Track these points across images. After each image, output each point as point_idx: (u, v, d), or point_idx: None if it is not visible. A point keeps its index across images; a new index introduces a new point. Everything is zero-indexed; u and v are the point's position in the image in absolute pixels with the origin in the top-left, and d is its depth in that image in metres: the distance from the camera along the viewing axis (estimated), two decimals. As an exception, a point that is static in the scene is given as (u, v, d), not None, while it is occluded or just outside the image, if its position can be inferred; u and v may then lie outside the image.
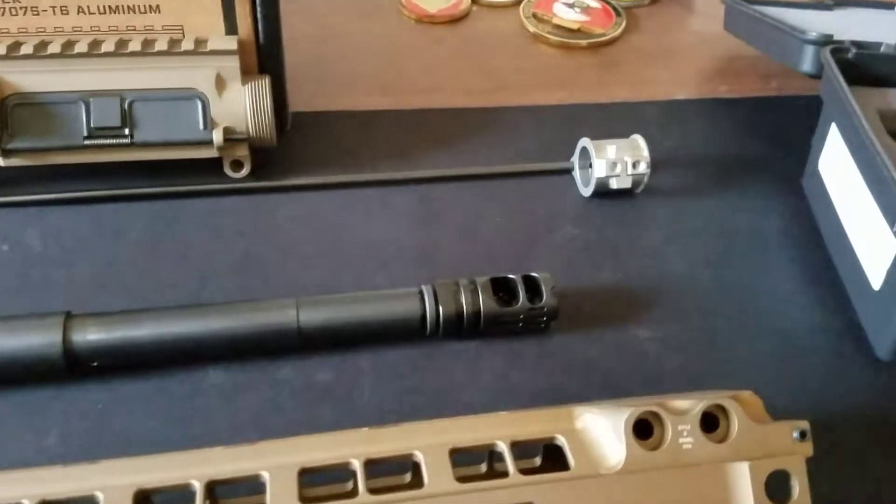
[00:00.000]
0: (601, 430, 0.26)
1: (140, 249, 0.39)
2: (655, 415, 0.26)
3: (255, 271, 0.39)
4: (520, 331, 0.36)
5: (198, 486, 0.24)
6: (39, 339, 0.31)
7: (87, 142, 0.38)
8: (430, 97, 0.51)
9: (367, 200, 0.43)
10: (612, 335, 0.37)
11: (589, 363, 0.36)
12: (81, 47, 0.38)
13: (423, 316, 0.35)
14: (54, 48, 0.37)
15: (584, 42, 0.58)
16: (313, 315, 0.34)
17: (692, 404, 0.27)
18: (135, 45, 0.38)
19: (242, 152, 0.42)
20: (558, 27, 0.58)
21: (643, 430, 0.26)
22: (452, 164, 0.46)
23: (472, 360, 0.35)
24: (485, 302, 0.35)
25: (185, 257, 0.39)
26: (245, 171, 0.42)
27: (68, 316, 0.32)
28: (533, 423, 0.27)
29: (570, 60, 0.57)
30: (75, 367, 0.32)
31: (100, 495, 0.24)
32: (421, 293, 0.35)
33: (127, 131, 0.39)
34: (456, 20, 0.59)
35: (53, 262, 0.38)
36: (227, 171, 0.42)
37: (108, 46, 0.38)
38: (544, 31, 0.58)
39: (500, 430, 0.27)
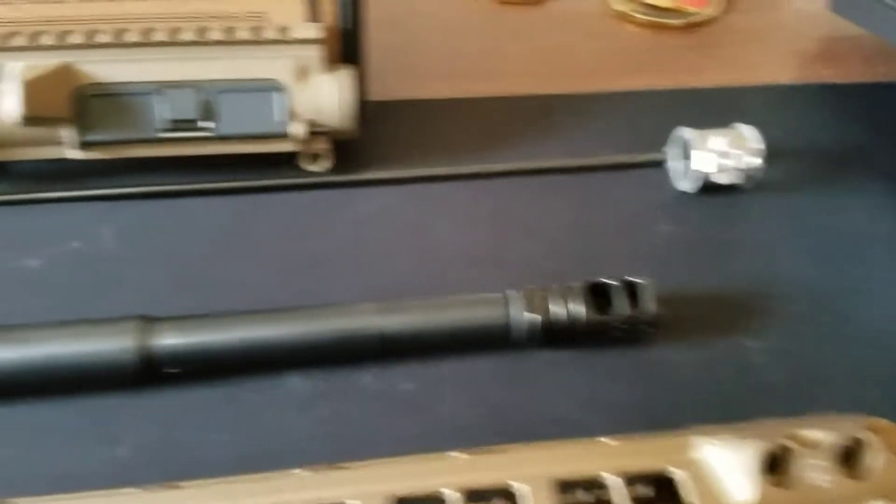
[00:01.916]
0: (723, 465, 0.24)
1: (215, 247, 0.38)
2: (786, 448, 0.24)
3: (332, 270, 0.37)
4: (615, 341, 0.33)
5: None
6: (115, 343, 0.30)
7: (164, 135, 0.37)
8: (510, 84, 0.49)
9: (446, 196, 0.41)
10: (715, 346, 0.34)
11: (690, 377, 0.33)
12: (161, 35, 0.36)
13: (512, 323, 0.32)
14: (133, 36, 0.36)
15: (676, 22, 0.54)
16: (397, 321, 0.32)
17: (827, 436, 0.24)
18: (216, 34, 0.37)
19: (322, 146, 0.40)
20: (648, 6, 0.55)
21: (771, 463, 0.24)
22: (535, 156, 0.43)
23: (561, 372, 0.33)
24: (580, 308, 0.32)
25: (262, 255, 0.37)
26: (324, 166, 0.41)
27: (145, 320, 0.31)
28: (644, 453, 0.24)
29: (661, 42, 0.54)
30: (150, 373, 0.30)
31: None
32: (507, 299, 0.33)
33: (206, 124, 0.37)
34: (537, 0, 0.56)
35: (126, 259, 0.37)
36: (305, 165, 0.41)
37: (188, 35, 0.36)
38: (632, 9, 0.54)
39: (608, 459, 0.24)
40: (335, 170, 0.41)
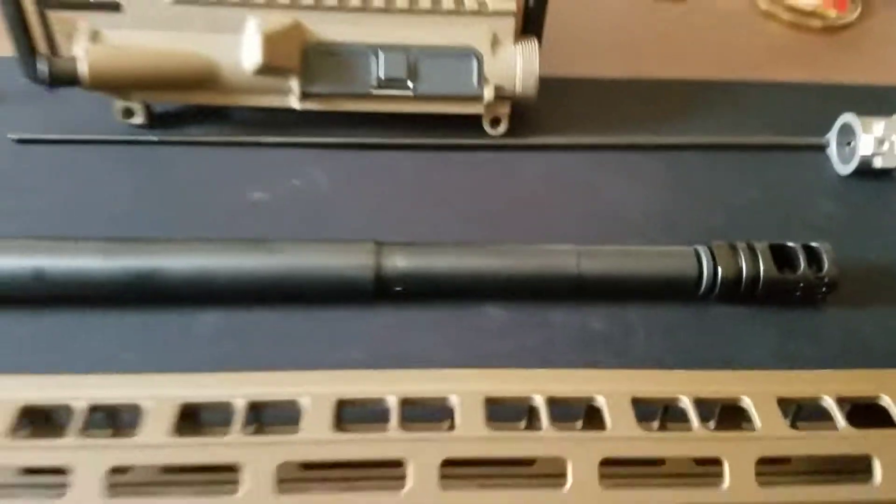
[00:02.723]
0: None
1: (412, 195, 0.41)
2: None
3: (519, 221, 0.41)
4: (796, 300, 0.36)
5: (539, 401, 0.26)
6: (354, 261, 0.34)
7: (374, 91, 0.41)
8: (667, 68, 0.52)
9: (613, 163, 0.44)
10: (888, 314, 0.36)
11: (866, 341, 0.35)
12: (378, 3, 0.40)
13: (700, 275, 0.35)
14: (355, 2, 0.40)
15: (818, 24, 0.57)
16: (593, 264, 0.35)
17: None
18: (425, 4, 0.40)
19: (503, 110, 0.43)
20: (791, 8, 0.57)
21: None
22: (699, 135, 0.46)
23: (744, 327, 0.36)
24: (765, 266, 0.35)
25: (449, 204, 0.41)
26: (502, 129, 0.44)
27: (378, 243, 0.34)
28: (857, 381, 0.27)
29: (804, 42, 0.56)
30: (381, 291, 0.34)
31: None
32: (697, 252, 0.36)
33: (410, 84, 0.41)
34: (684, -3, 0.59)
35: (338, 199, 0.41)
36: (486, 127, 0.44)
37: (401, 4, 0.40)
38: (777, 10, 0.57)
39: (825, 384, 0.27)
40: (511, 134, 0.45)
